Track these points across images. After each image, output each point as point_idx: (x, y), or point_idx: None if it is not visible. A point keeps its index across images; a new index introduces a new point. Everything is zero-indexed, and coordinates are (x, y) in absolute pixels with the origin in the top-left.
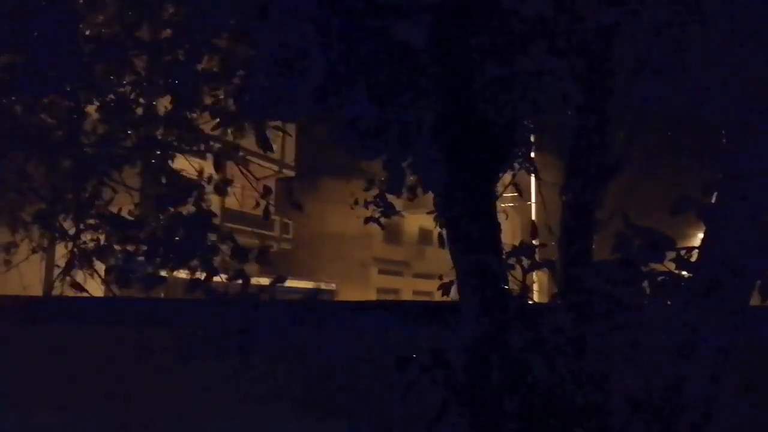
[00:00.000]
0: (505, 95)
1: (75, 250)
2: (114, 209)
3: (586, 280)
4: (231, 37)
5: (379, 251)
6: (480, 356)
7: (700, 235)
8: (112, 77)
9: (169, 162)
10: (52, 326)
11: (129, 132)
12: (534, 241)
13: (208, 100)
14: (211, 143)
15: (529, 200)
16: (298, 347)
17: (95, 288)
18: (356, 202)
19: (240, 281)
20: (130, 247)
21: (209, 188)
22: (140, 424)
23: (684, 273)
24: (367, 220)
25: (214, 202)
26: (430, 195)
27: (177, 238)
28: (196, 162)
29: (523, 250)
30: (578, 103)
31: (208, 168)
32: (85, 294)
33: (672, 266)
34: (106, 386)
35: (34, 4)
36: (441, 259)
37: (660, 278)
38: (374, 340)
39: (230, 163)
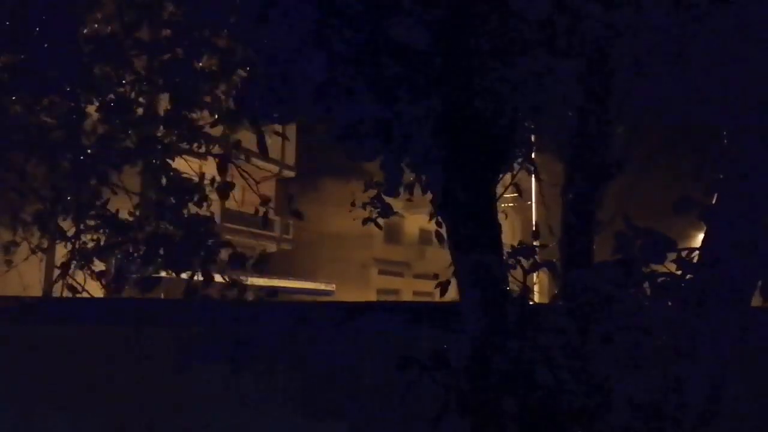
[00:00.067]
0: (506, 96)
1: (75, 250)
2: (112, 210)
3: (587, 280)
4: (230, 37)
5: (379, 252)
6: (480, 357)
7: (701, 236)
8: (112, 77)
9: (170, 162)
10: (52, 326)
11: (129, 132)
12: (535, 242)
13: (207, 98)
14: (211, 146)
15: (529, 200)
16: (297, 348)
17: (95, 288)
18: (353, 204)
19: (237, 288)
20: (128, 249)
21: (211, 191)
22: (140, 425)
23: (684, 274)
24: (365, 221)
25: (214, 202)
26: (430, 196)
27: (176, 240)
28: (197, 163)
29: (523, 250)
30: (578, 103)
31: (208, 169)
32: (84, 294)
33: (673, 267)
34: (106, 386)
35: (34, 4)
36: (441, 260)
37: (661, 279)
38: (374, 341)
39: (230, 164)
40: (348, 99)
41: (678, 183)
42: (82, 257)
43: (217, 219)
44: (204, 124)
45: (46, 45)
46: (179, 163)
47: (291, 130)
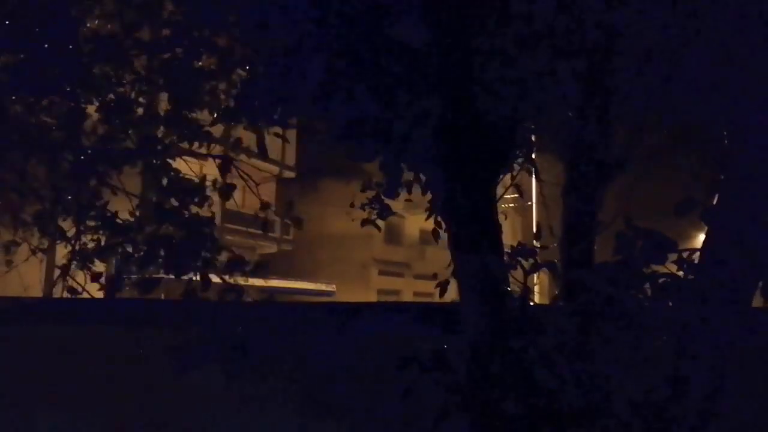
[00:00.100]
0: (506, 96)
1: (75, 251)
2: (112, 211)
3: (588, 281)
4: (230, 37)
5: (379, 252)
6: (481, 358)
7: (702, 236)
8: (112, 77)
9: (170, 162)
10: (52, 327)
11: (129, 132)
12: (535, 243)
13: (207, 97)
14: (212, 145)
15: (530, 201)
16: (297, 348)
17: (96, 289)
18: (352, 205)
19: (234, 291)
20: (127, 250)
21: (212, 191)
22: (140, 425)
23: (685, 274)
24: (364, 222)
25: (214, 203)
26: (430, 196)
27: (176, 241)
28: (197, 164)
29: (522, 251)
30: (578, 103)
31: (209, 170)
32: (84, 295)
33: (674, 268)
34: (106, 386)
35: (34, 4)
36: (442, 261)
37: (661, 280)
38: (374, 341)
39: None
40: (348, 99)
41: (678, 183)
42: (82, 258)
43: (217, 219)
44: (204, 124)
45: (46, 45)
46: (179, 165)
47: (291, 131)
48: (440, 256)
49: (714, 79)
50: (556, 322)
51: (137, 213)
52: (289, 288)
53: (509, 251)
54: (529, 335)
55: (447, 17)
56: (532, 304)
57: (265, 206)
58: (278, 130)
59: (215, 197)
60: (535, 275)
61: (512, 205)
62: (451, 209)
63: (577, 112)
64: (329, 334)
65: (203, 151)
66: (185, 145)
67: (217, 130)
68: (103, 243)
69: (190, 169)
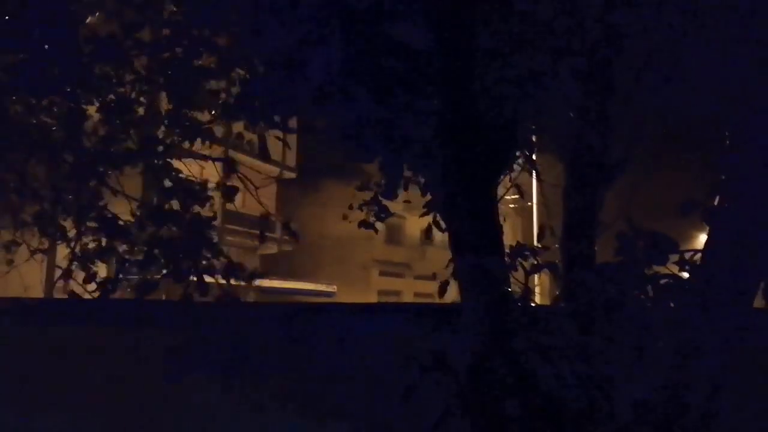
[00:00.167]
0: (506, 96)
1: (75, 251)
2: (113, 212)
3: (589, 282)
4: (230, 37)
5: (379, 253)
6: (482, 359)
7: (703, 237)
8: (112, 77)
9: (171, 161)
10: (53, 327)
11: (130, 132)
12: (536, 244)
13: (207, 95)
14: (213, 145)
15: (530, 202)
16: (297, 349)
17: (90, 289)
18: (351, 207)
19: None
20: (127, 252)
21: (215, 192)
22: (139, 425)
23: (687, 275)
24: (361, 224)
25: (214, 203)
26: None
27: (176, 243)
28: (197, 166)
29: (522, 251)
30: (578, 103)
31: (209, 171)
32: (85, 296)
33: (675, 268)
34: (106, 387)
35: (34, 4)
36: (442, 261)
37: (663, 281)
38: (374, 342)
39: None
40: (348, 99)
41: (680, 184)
42: (82, 259)
43: (218, 220)
44: (205, 122)
45: (46, 45)
46: (180, 167)
47: (291, 135)
48: (441, 257)
49: (714, 79)
50: (557, 323)
51: (137, 213)
52: (289, 288)
53: (510, 252)
54: (530, 336)
55: (447, 18)
56: (533, 304)
57: (264, 217)
58: (279, 134)
59: (217, 198)
60: (536, 276)
61: (513, 205)
62: (451, 210)
63: (578, 112)
64: (329, 335)
65: (205, 151)
66: (186, 145)
67: (218, 130)
68: (104, 244)
69: (189, 170)
